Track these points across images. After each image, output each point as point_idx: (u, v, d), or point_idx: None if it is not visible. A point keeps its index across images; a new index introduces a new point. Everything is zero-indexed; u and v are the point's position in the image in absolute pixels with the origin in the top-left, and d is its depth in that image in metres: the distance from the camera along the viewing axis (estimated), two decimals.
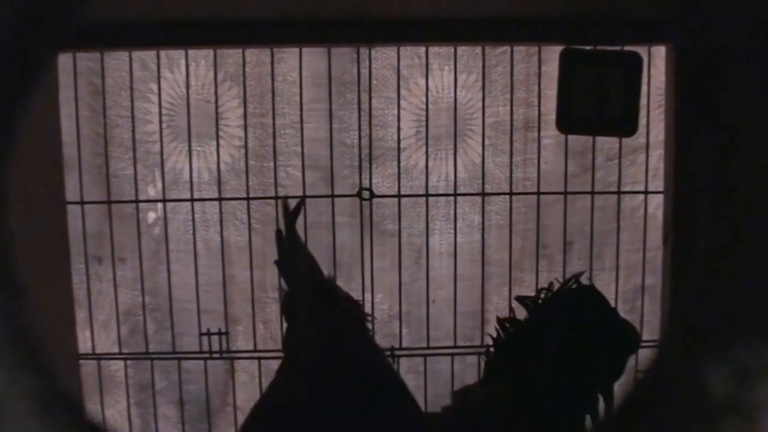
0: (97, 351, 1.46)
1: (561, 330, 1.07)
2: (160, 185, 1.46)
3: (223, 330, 1.43)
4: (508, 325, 1.13)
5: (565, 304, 1.10)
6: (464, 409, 1.06)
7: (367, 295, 1.44)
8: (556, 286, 1.12)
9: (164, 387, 1.50)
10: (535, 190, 1.45)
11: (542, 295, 1.12)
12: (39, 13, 0.41)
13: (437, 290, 1.48)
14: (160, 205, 1.48)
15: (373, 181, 1.44)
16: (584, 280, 1.14)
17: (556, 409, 1.02)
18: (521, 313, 1.15)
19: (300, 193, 1.40)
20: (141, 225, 1.46)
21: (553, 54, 1.34)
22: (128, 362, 1.49)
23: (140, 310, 1.47)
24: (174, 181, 1.47)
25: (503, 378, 1.08)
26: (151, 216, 1.50)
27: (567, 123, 1.30)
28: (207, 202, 1.47)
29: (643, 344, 1.16)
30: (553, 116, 1.38)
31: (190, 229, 1.46)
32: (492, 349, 1.13)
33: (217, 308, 1.46)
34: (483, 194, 1.44)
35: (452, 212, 1.47)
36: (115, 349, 1.49)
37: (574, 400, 1.03)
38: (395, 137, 1.43)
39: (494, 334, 1.14)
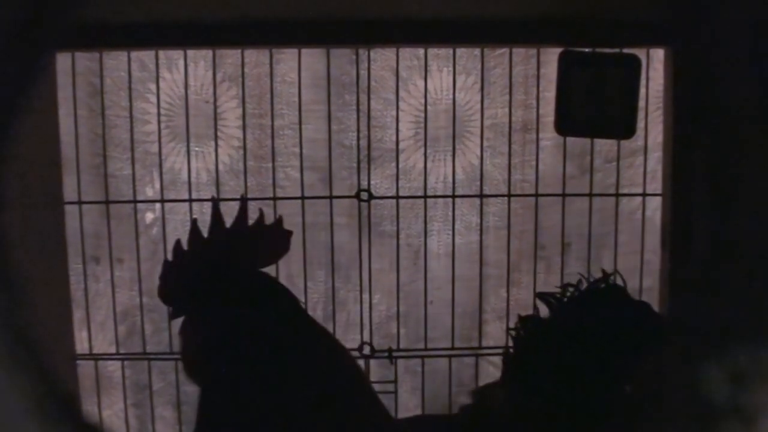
0: (95, 351, 1.45)
1: (588, 329, 1.02)
2: (158, 185, 1.46)
3: None
4: (529, 324, 1.06)
5: (593, 303, 1.05)
6: (482, 409, 1.04)
7: (365, 296, 1.44)
8: (585, 284, 1.06)
9: (161, 388, 1.50)
10: (533, 191, 1.45)
11: (568, 293, 1.06)
12: (38, 12, 0.41)
13: (435, 291, 1.48)
14: (158, 205, 1.48)
15: (372, 182, 1.43)
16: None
17: (579, 410, 0.98)
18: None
19: (298, 194, 1.40)
20: (139, 225, 1.45)
21: (551, 56, 1.34)
22: (125, 363, 1.49)
23: (138, 310, 1.47)
24: (172, 182, 1.47)
25: (524, 378, 1.04)
26: (149, 216, 1.50)
27: (565, 125, 1.30)
28: (205, 202, 1.46)
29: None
30: (551, 118, 1.37)
31: (188, 229, 1.46)
32: (512, 348, 1.07)
33: None
34: (481, 196, 1.44)
35: (450, 213, 1.47)
36: (113, 350, 1.48)
37: (599, 400, 0.99)
38: (394, 138, 1.43)
39: (513, 333, 1.07)
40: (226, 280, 1.01)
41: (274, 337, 0.97)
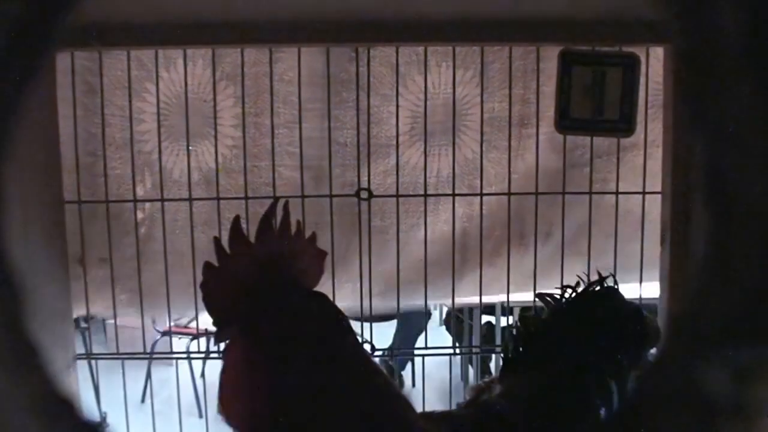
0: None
1: (583, 327, 1.07)
2: (149, 185, 1.44)
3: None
4: (528, 322, 1.11)
5: (589, 303, 1.09)
6: (480, 405, 1.05)
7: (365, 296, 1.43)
8: (582, 286, 1.11)
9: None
10: (521, 183, 1.44)
11: (566, 295, 1.10)
12: (40, 11, 0.41)
13: (413, 272, 1.48)
14: (147, 204, 1.46)
15: (366, 178, 1.42)
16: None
17: (572, 403, 1.02)
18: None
19: (291, 193, 1.38)
20: (127, 225, 1.43)
21: (551, 51, 1.33)
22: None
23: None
24: (163, 181, 1.44)
25: (521, 373, 1.08)
26: (138, 216, 1.48)
27: (565, 123, 1.31)
28: (197, 201, 1.44)
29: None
30: (547, 113, 1.37)
31: (176, 229, 1.44)
32: (511, 345, 1.11)
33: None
34: (481, 195, 1.44)
35: (440, 207, 1.47)
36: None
37: (590, 394, 1.03)
38: (389, 134, 1.41)
39: (513, 330, 1.13)
40: (286, 296, 0.87)
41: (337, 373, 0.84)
